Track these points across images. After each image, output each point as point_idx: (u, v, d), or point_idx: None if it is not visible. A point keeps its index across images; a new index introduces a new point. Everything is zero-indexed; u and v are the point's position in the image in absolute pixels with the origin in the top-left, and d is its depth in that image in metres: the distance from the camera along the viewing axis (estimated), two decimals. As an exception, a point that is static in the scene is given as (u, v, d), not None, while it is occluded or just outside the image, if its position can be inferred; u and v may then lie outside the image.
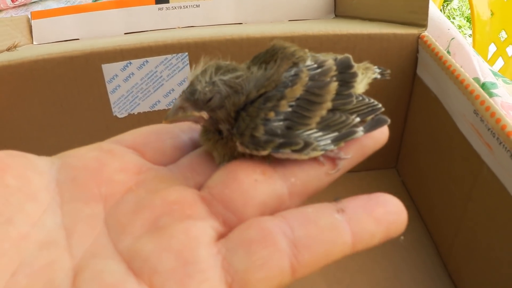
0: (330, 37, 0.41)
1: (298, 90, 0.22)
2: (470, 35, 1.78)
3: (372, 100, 0.24)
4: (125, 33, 0.57)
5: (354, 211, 0.20)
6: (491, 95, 0.47)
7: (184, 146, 0.25)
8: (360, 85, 0.25)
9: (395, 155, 0.50)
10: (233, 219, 0.21)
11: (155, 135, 0.25)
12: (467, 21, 1.98)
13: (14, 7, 0.69)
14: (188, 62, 0.41)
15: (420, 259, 0.42)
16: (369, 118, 0.23)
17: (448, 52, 0.54)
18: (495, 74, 0.53)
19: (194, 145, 0.25)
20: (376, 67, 0.28)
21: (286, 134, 0.22)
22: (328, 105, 0.22)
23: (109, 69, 0.41)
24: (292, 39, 0.41)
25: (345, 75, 0.24)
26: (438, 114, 0.40)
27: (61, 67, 0.41)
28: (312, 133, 0.22)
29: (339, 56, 0.25)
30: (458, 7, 2.10)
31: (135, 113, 0.43)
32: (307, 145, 0.21)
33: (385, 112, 0.27)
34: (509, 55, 0.94)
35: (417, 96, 0.45)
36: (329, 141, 0.22)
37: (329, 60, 0.24)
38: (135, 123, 0.44)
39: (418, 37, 0.43)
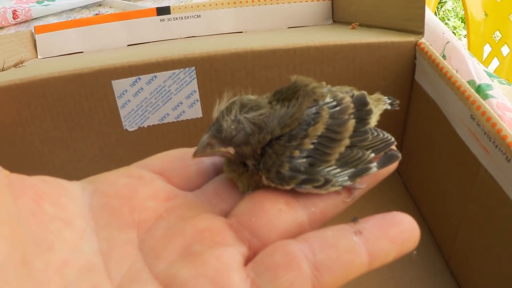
0: (330, 48, 0.43)
1: (319, 129, 0.24)
2: (465, 36, 1.80)
3: (386, 135, 0.26)
4: (128, 45, 0.59)
5: (370, 232, 0.21)
6: (486, 96, 0.49)
7: (207, 171, 0.27)
8: (373, 119, 0.26)
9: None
10: (258, 244, 0.22)
11: (180, 160, 0.26)
12: (461, 22, 2.00)
13: (15, 24, 0.69)
14: (195, 75, 0.42)
15: (423, 256, 0.44)
16: (383, 153, 0.25)
17: (444, 55, 0.55)
18: (490, 75, 0.55)
19: (216, 170, 0.27)
20: (386, 97, 0.29)
21: (309, 171, 0.23)
22: (347, 142, 0.24)
23: (119, 85, 0.42)
24: (294, 50, 0.42)
25: (362, 112, 0.25)
26: (437, 119, 0.42)
27: (72, 84, 0.42)
28: (331, 169, 0.24)
29: (356, 92, 0.27)
30: (453, 8, 2.12)
31: (145, 126, 0.45)
32: (327, 182, 0.23)
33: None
34: (504, 55, 0.96)
35: (415, 101, 0.46)
36: (346, 177, 0.24)
37: (347, 97, 0.25)
38: (145, 135, 0.45)
39: (416, 44, 0.44)
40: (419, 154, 0.47)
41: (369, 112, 0.25)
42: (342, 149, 0.24)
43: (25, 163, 0.46)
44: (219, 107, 0.25)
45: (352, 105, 0.25)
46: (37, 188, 0.22)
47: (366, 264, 0.21)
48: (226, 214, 0.24)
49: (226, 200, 0.25)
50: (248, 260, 0.22)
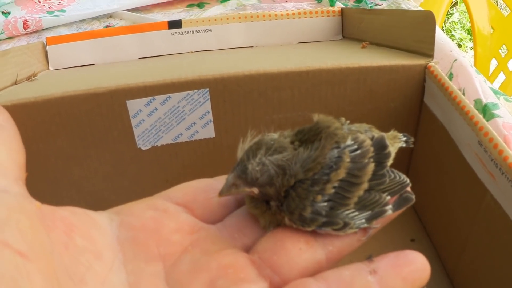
0: (343, 70, 0.44)
1: (341, 173, 0.25)
2: (471, 48, 1.80)
3: (402, 177, 0.26)
4: (139, 58, 0.59)
5: (384, 271, 0.22)
6: (493, 116, 0.49)
7: (229, 204, 0.28)
8: (390, 158, 0.27)
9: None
10: (279, 281, 0.23)
11: (203, 192, 0.27)
12: (468, 33, 2.01)
13: (26, 34, 0.70)
14: (209, 97, 0.43)
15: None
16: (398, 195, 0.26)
17: (451, 74, 0.56)
18: (496, 92, 0.55)
19: (237, 202, 0.28)
20: (401, 134, 0.30)
21: (329, 214, 0.24)
22: (365, 185, 0.25)
23: (134, 105, 0.43)
24: (307, 73, 0.43)
25: (380, 156, 0.26)
26: (445, 142, 0.43)
27: (87, 103, 0.43)
28: (350, 212, 0.25)
29: (375, 132, 0.27)
30: (459, 20, 2.13)
31: (159, 145, 0.45)
32: (345, 225, 0.24)
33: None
34: (510, 69, 0.96)
35: (424, 124, 0.47)
36: (363, 220, 0.25)
37: (367, 140, 0.26)
38: (158, 154, 0.46)
39: (425, 67, 0.45)
40: (426, 176, 0.48)
41: (388, 155, 0.26)
42: (361, 192, 0.25)
43: (40, 179, 0.46)
44: (243, 146, 0.25)
45: (372, 149, 0.26)
46: (67, 220, 0.23)
47: None
48: (247, 249, 0.26)
49: (247, 235, 0.26)
50: None
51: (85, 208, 0.25)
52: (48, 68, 0.60)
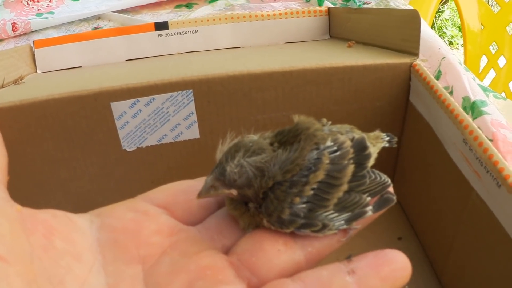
0: (327, 70, 0.44)
1: (320, 175, 0.24)
2: (462, 45, 1.81)
3: (382, 178, 0.26)
4: (126, 60, 0.59)
5: (363, 271, 0.22)
6: (481, 113, 0.49)
7: (209, 206, 0.28)
8: (371, 161, 0.27)
9: (390, 177, 0.53)
10: (257, 282, 0.23)
11: (183, 194, 0.27)
12: (459, 31, 2.01)
13: (15, 36, 0.70)
14: (193, 98, 0.43)
15: (416, 273, 0.45)
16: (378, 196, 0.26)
17: (439, 71, 0.56)
18: (485, 89, 0.55)
19: (218, 204, 0.28)
20: (384, 134, 0.30)
21: (308, 215, 0.24)
22: (345, 187, 0.25)
23: (118, 107, 0.43)
24: (291, 73, 0.43)
25: (360, 157, 0.26)
26: (430, 140, 0.43)
27: (72, 105, 0.43)
28: (329, 214, 0.24)
29: (356, 133, 0.27)
30: (450, 17, 2.13)
31: (143, 147, 0.45)
32: (324, 226, 0.24)
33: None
34: (501, 66, 0.96)
35: (410, 122, 0.47)
36: (342, 222, 0.25)
37: (347, 141, 0.26)
38: (143, 155, 0.46)
39: (411, 66, 0.45)
40: (413, 174, 0.48)
41: (368, 157, 0.26)
42: (340, 194, 0.25)
43: (26, 182, 0.46)
44: (222, 148, 0.25)
45: (351, 150, 0.25)
46: (47, 223, 0.23)
47: None
48: (227, 250, 0.26)
49: (227, 236, 0.26)
50: None
51: (72, 210, 0.25)
52: (36, 71, 0.60)
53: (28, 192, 0.47)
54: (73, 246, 0.23)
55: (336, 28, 0.58)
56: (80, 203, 0.48)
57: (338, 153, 0.25)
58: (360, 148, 0.26)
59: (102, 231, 0.25)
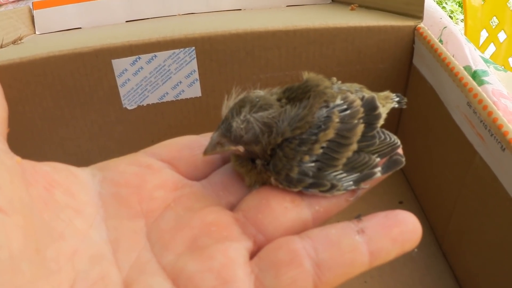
0: (330, 30, 0.43)
1: (330, 134, 0.24)
2: (462, 20, 1.80)
3: (392, 138, 0.26)
4: (126, 21, 0.58)
5: (373, 231, 0.22)
6: (482, 82, 0.49)
7: (214, 161, 0.27)
8: (381, 120, 0.26)
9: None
10: (263, 239, 0.23)
11: (187, 149, 0.27)
12: (459, 6, 1.99)
13: (13, 1, 0.69)
14: (195, 55, 0.43)
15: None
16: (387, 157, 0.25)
17: (441, 40, 0.55)
18: (486, 61, 0.55)
19: (223, 159, 0.27)
20: (394, 95, 0.29)
21: (316, 175, 0.24)
22: (354, 146, 0.24)
23: (119, 64, 0.42)
24: (294, 32, 0.43)
25: (371, 117, 0.25)
26: (434, 104, 0.42)
27: (72, 63, 0.42)
28: (338, 174, 0.24)
29: (365, 93, 0.27)
30: None
31: (144, 105, 0.45)
32: (333, 187, 0.24)
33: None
34: (501, 41, 0.96)
35: (413, 85, 0.47)
36: (351, 182, 0.24)
37: (357, 100, 0.25)
38: (144, 114, 0.45)
39: (414, 29, 0.44)
40: (415, 138, 0.48)
41: (378, 117, 0.25)
42: (349, 153, 0.24)
43: (26, 140, 0.46)
44: (228, 103, 0.25)
45: (361, 109, 0.25)
46: (48, 176, 0.23)
47: (367, 263, 0.22)
48: (232, 206, 0.25)
49: (232, 193, 0.26)
50: (252, 254, 0.23)
51: None
52: (35, 33, 0.59)
53: (27, 150, 0.46)
54: (74, 199, 0.22)
55: (339, -8, 0.58)
56: (78, 163, 0.47)
57: (348, 111, 0.25)
58: (370, 107, 0.25)
59: (104, 185, 0.24)
